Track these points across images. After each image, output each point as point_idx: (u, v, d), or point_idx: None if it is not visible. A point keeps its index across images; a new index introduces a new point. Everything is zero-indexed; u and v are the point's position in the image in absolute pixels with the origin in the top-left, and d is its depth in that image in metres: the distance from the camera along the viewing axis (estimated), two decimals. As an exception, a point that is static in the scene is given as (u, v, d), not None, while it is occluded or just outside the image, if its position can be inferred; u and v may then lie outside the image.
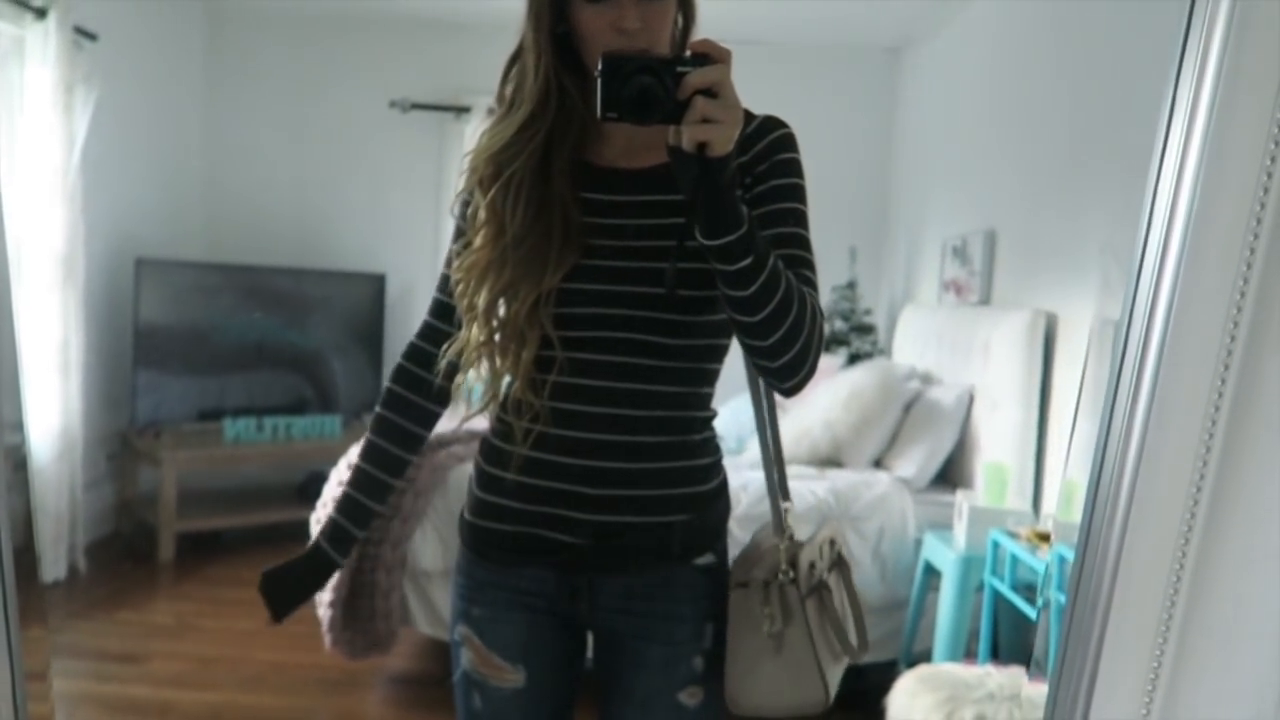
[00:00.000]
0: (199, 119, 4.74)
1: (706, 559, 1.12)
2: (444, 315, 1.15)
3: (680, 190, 0.92)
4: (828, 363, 3.73)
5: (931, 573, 2.69)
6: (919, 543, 2.79)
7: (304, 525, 2.86)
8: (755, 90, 0.86)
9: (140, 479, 4.19)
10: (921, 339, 3.72)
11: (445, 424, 3.00)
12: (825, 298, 4.40)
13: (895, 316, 4.31)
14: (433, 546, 2.70)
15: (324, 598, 2.66)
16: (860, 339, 4.34)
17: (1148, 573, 0.63)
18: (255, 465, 4.30)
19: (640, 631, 1.10)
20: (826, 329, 4.28)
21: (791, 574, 1.11)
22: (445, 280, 1.14)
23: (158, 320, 4.13)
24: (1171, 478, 0.63)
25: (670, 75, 0.88)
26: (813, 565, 1.14)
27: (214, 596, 3.51)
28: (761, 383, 1.19)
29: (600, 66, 0.90)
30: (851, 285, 4.47)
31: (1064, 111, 2.88)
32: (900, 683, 1.94)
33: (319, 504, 2.81)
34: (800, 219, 1.06)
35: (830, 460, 3.20)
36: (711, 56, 0.88)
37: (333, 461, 2.97)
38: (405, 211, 4.78)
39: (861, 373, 3.31)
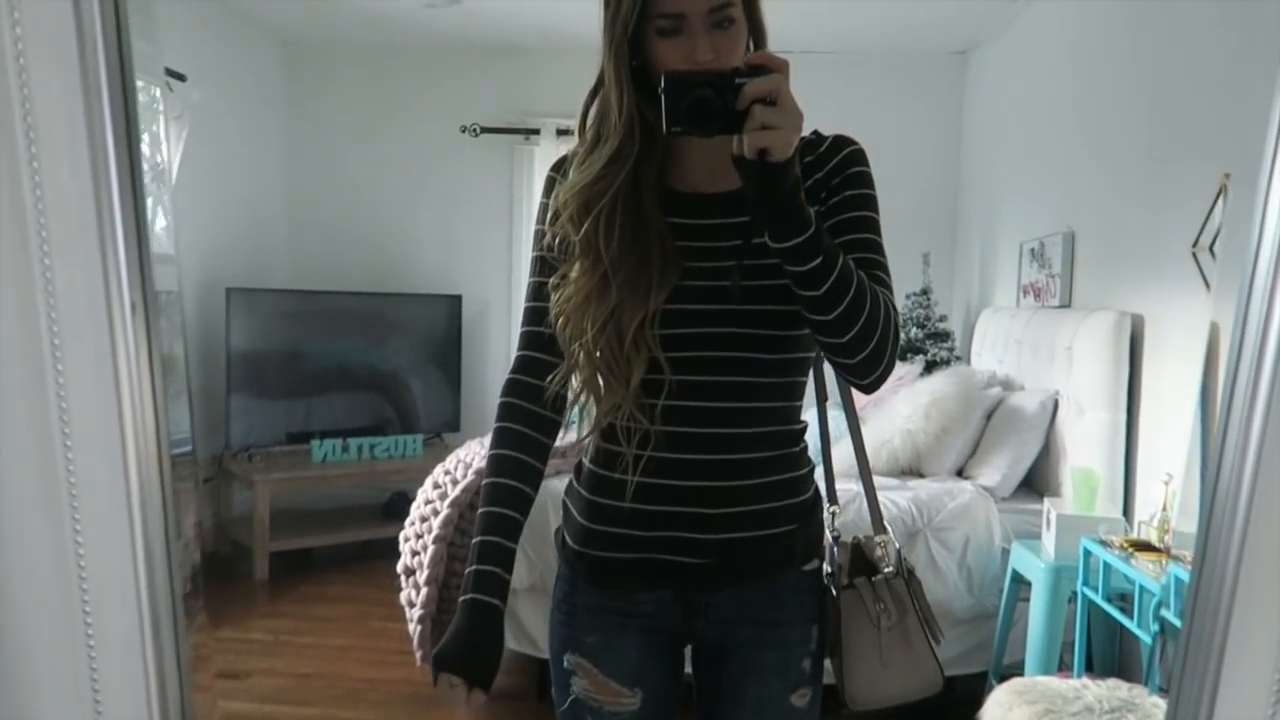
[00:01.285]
0: (280, 152, 4.93)
1: (812, 564, 1.17)
2: (540, 347, 1.14)
3: (746, 196, 0.96)
4: (905, 370, 3.69)
5: (1020, 583, 2.64)
6: (1005, 552, 2.74)
7: (390, 543, 2.94)
8: (823, 97, 0.90)
9: (235, 501, 4.35)
10: (1001, 344, 3.66)
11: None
12: (899, 304, 4.36)
13: (972, 322, 4.25)
14: (518, 563, 2.74)
15: (414, 614, 2.73)
16: (936, 346, 4.29)
17: (1269, 584, 0.62)
18: (342, 485, 4.43)
19: (753, 640, 1.13)
20: (903, 336, 4.26)
21: (891, 569, 1.18)
22: (533, 313, 1.14)
23: (248, 347, 4.29)
24: None
25: (728, 87, 0.93)
26: (900, 555, 1.21)
27: (307, 614, 3.62)
28: (846, 390, 1.25)
29: (663, 84, 0.95)
30: (925, 292, 4.43)
31: (1139, 107, 2.82)
32: (994, 695, 1.92)
33: (407, 523, 2.89)
34: (873, 225, 1.10)
35: (911, 470, 3.17)
36: (767, 67, 0.92)
37: (416, 480, 3.05)
38: (478, 233, 4.89)
39: (941, 380, 3.27)
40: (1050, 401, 3.03)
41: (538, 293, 1.14)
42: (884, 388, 3.59)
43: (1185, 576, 1.91)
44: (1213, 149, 2.39)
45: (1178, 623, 1.91)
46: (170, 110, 3.61)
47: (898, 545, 1.22)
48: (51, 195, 0.67)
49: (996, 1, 3.96)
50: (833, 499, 1.24)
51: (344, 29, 4.63)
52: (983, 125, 4.52)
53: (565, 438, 1.21)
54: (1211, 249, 2.37)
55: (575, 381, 1.10)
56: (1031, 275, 3.59)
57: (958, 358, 4.22)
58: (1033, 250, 3.58)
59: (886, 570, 1.18)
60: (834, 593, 1.16)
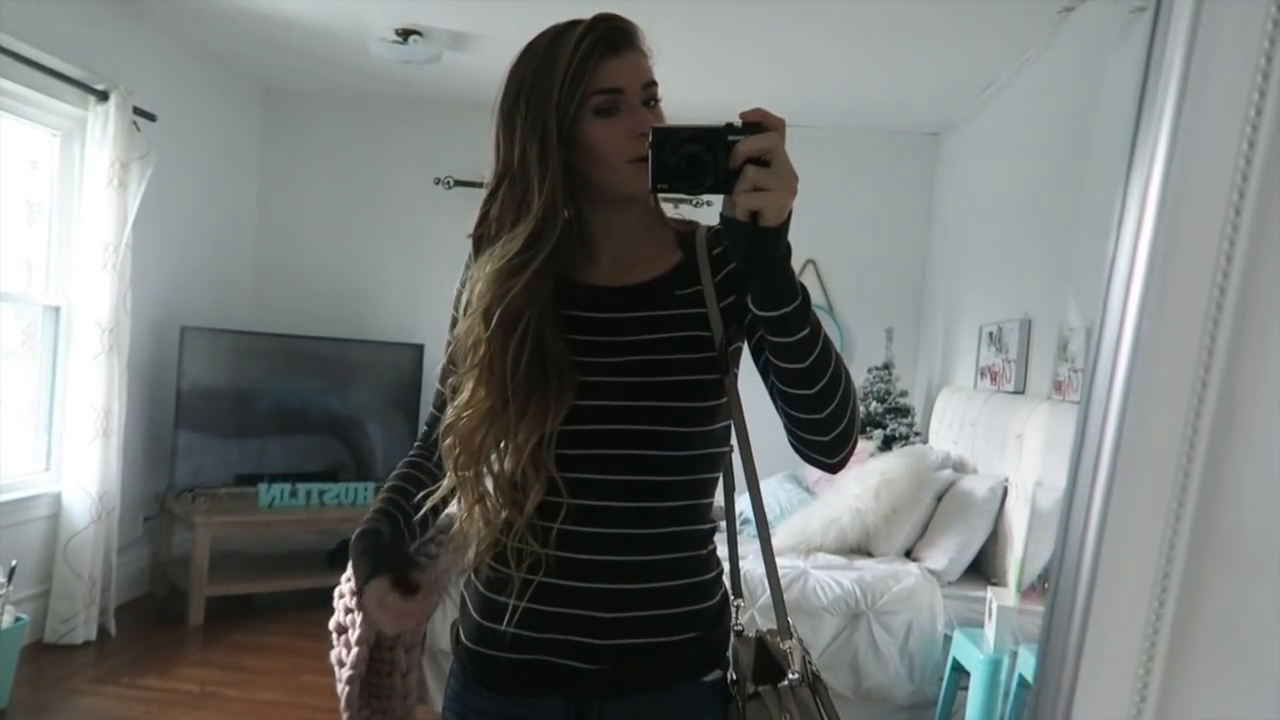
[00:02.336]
0: (251, 193, 4.91)
1: (714, 675, 1.10)
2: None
3: (734, 261, 0.93)
4: (860, 447, 3.68)
5: (960, 671, 2.61)
6: (948, 639, 2.71)
7: (332, 591, 2.86)
8: (800, 172, 0.87)
9: (175, 542, 4.24)
10: (957, 425, 3.67)
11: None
12: (860, 378, 4.38)
13: (932, 399, 4.26)
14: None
15: (343, 674, 2.65)
16: (896, 420, 4.29)
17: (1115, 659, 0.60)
18: (288, 530, 4.34)
19: None
20: (862, 410, 4.27)
21: (797, 675, 1.07)
22: (447, 372, 1.12)
23: (200, 385, 4.22)
24: (1135, 561, 0.59)
25: (721, 144, 0.88)
26: (805, 659, 1.10)
27: (238, 664, 3.51)
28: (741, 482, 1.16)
29: (651, 139, 0.90)
30: (888, 366, 4.44)
31: (1102, 199, 2.86)
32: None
33: (343, 578, 2.82)
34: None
35: (859, 549, 3.14)
36: (763, 125, 0.88)
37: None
38: (445, 284, 4.80)
39: (894, 460, 3.27)
40: (1000, 488, 3.02)
41: (446, 376, 1.11)
42: (837, 463, 3.59)
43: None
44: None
45: None
46: (135, 149, 3.59)
47: (804, 651, 1.10)
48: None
49: (969, 87, 4.04)
50: (737, 592, 1.17)
51: (323, 77, 4.65)
52: (951, 206, 4.59)
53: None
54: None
55: (457, 506, 1.07)
56: (989, 358, 3.61)
57: (916, 434, 4.23)
58: (991, 334, 3.61)
59: (792, 677, 1.07)
60: (738, 704, 1.08)
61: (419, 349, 4.72)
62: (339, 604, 2.94)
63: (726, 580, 1.15)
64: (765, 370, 1.04)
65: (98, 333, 3.52)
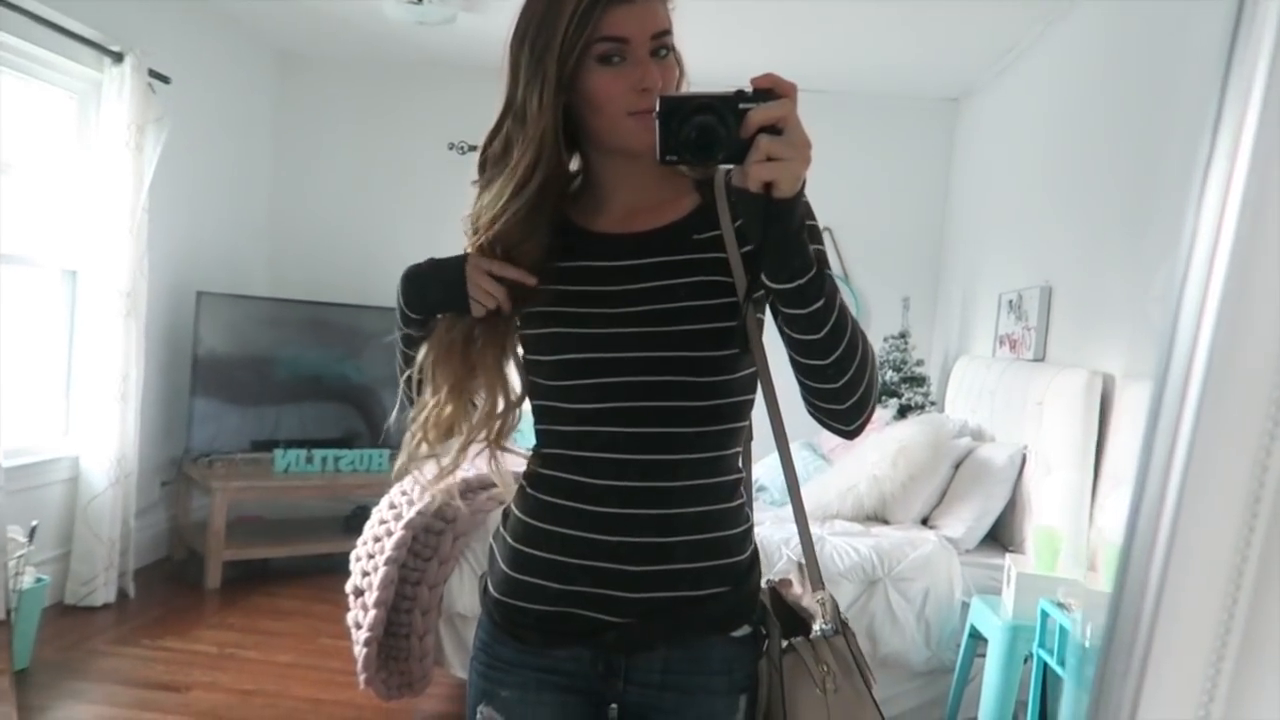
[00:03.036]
0: (266, 159, 4.89)
1: (743, 630, 1.09)
2: None
3: (746, 233, 0.90)
4: (877, 415, 3.66)
5: (978, 639, 2.60)
6: (965, 606, 2.71)
7: (347, 557, 2.88)
8: (815, 136, 0.85)
9: (193, 507, 4.27)
10: (974, 393, 3.64)
11: (486, 467, 2.99)
12: (875, 347, 4.35)
13: (949, 368, 4.23)
14: (470, 590, 2.69)
15: (360, 636, 2.67)
16: (912, 390, 4.27)
17: (1185, 650, 0.58)
18: (304, 496, 4.36)
19: (674, 708, 1.07)
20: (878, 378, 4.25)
21: (829, 626, 1.07)
22: None
23: (216, 351, 4.23)
24: (1211, 551, 0.58)
25: (732, 113, 0.84)
26: (837, 609, 1.11)
27: (256, 627, 3.54)
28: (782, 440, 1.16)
29: (658, 109, 0.87)
30: (904, 335, 4.41)
31: (1124, 166, 2.82)
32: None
33: (359, 542, 2.83)
34: (824, 259, 1.02)
35: (876, 516, 3.13)
36: (775, 91, 0.85)
37: (380, 495, 2.99)
38: (460, 250, 4.84)
39: (911, 428, 3.25)
40: (1019, 456, 3.00)
41: None
42: (854, 431, 3.57)
43: (1054, 612, 1.88)
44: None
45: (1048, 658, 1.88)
46: (151, 112, 3.57)
47: (834, 601, 1.11)
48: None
49: (990, 51, 3.97)
50: (817, 582, 1.14)
51: (338, 42, 4.61)
52: (971, 173, 4.53)
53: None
54: (1184, 314, 2.35)
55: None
56: (1008, 327, 3.58)
57: (932, 403, 4.21)
58: (1010, 302, 3.57)
59: (824, 627, 1.07)
60: (776, 660, 1.07)
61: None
62: (355, 567, 2.97)
63: (769, 529, 1.15)
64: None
65: (115, 297, 3.53)
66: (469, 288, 1.06)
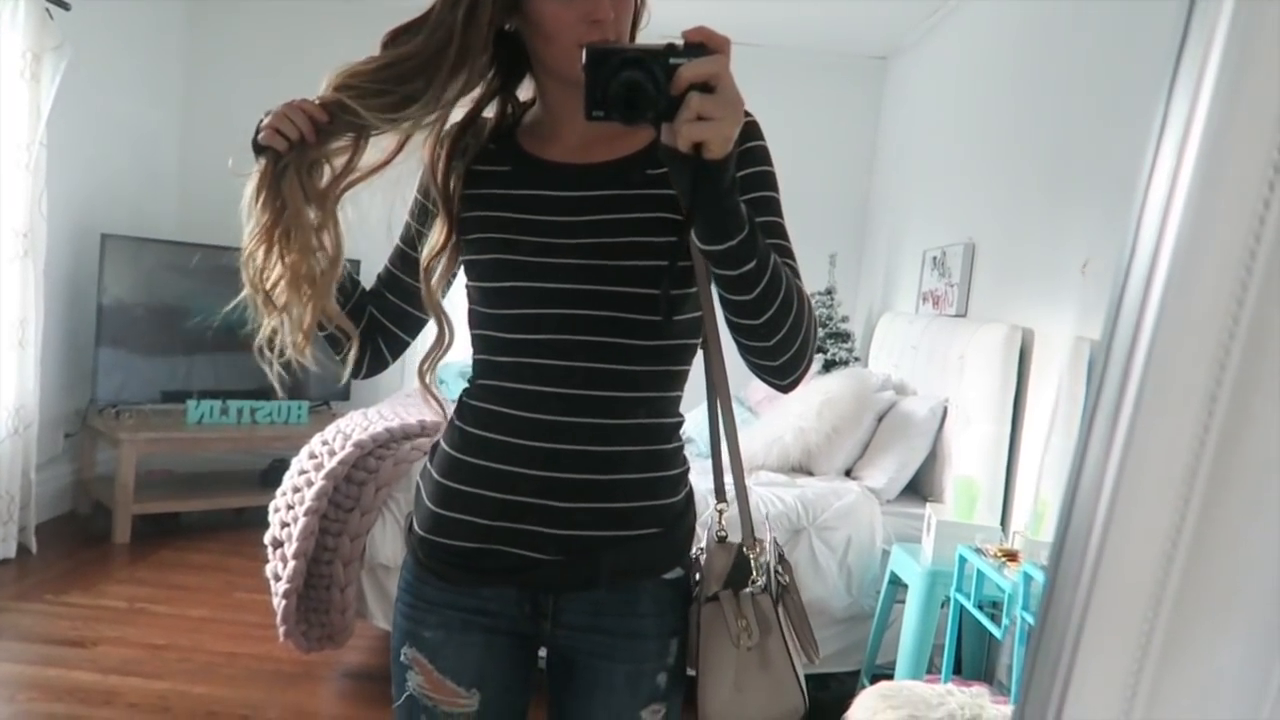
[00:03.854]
0: (175, 93, 4.66)
1: (675, 573, 1.08)
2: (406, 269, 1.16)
3: (677, 192, 0.86)
4: (802, 369, 3.70)
5: (897, 585, 2.66)
6: (886, 554, 2.77)
7: (264, 511, 2.79)
8: (744, 90, 0.81)
9: (98, 459, 4.10)
10: (898, 349, 3.70)
11: (411, 418, 2.92)
12: (803, 303, 4.40)
13: (873, 325, 4.29)
14: (392, 540, 2.65)
15: (279, 588, 2.60)
16: (837, 346, 4.32)
17: (1123, 604, 0.59)
18: (218, 449, 4.23)
19: (604, 651, 1.05)
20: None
21: (760, 582, 1.07)
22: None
23: (123, 298, 4.04)
24: (1153, 507, 0.58)
25: (662, 68, 0.80)
26: (775, 569, 1.09)
27: (168, 581, 3.43)
28: (716, 385, 1.14)
29: (584, 60, 0.82)
30: (830, 292, 4.46)
31: (1046, 125, 2.86)
32: (860, 698, 1.91)
33: (278, 492, 2.75)
34: (776, 207, 1.02)
35: (801, 468, 3.17)
36: (708, 46, 0.80)
37: (298, 448, 2.90)
38: (380, 195, 4.69)
39: (836, 381, 3.29)
40: (940, 409, 3.06)
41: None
42: (780, 384, 3.60)
43: (1034, 572, 1.95)
44: (1111, 170, 2.43)
45: (1029, 618, 1.95)
46: (48, 39, 3.35)
47: (768, 559, 1.10)
48: None
49: (919, 10, 3.99)
50: (720, 496, 1.15)
51: (252, -30, 4.39)
52: (897, 131, 4.57)
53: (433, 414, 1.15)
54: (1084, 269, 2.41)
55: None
56: (932, 283, 3.63)
57: (856, 359, 4.27)
58: (934, 258, 3.62)
59: (755, 585, 1.06)
60: (697, 604, 1.07)
61: (354, 265, 4.57)
62: (274, 518, 2.89)
63: (692, 478, 1.13)
64: None
65: (10, 237, 3.33)
66: (271, 118, 1.02)
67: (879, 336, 4.04)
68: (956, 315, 3.35)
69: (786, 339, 0.92)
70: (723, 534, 1.12)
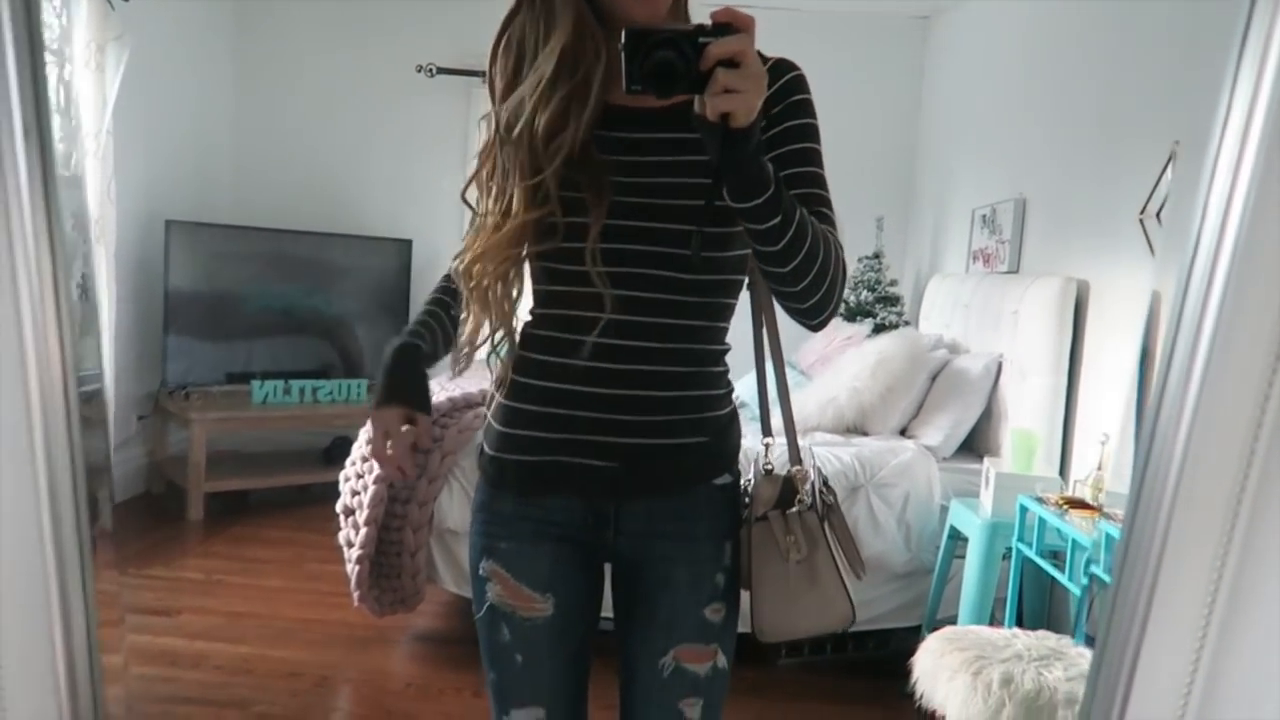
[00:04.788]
0: (229, 82, 4.77)
1: (724, 479, 1.16)
2: None
3: (708, 156, 0.94)
4: (854, 331, 3.71)
5: (957, 540, 2.68)
6: (944, 509, 2.79)
7: (329, 487, 2.89)
8: (785, 55, 0.87)
9: (170, 440, 4.24)
10: (948, 309, 3.69)
11: (472, 386, 2.97)
12: (850, 268, 4.39)
13: (921, 288, 4.28)
14: (459, 506, 2.72)
15: (352, 554, 2.70)
16: (886, 310, 4.31)
17: (1195, 554, 0.64)
18: (282, 428, 4.35)
19: (665, 554, 1.13)
20: (852, 299, 4.26)
21: (807, 500, 1.17)
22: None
23: (187, 284, 4.17)
24: (1220, 462, 0.63)
25: (692, 47, 0.89)
26: (820, 490, 1.19)
27: (242, 555, 3.56)
28: (765, 327, 1.27)
29: (623, 42, 0.91)
30: (878, 255, 4.45)
31: (1093, 75, 2.84)
32: (927, 643, 1.95)
33: (348, 462, 2.84)
34: (816, 158, 1.09)
35: (856, 428, 3.19)
36: (733, 26, 0.89)
37: (358, 425, 2.99)
38: (431, 177, 4.79)
39: (889, 341, 3.30)
40: (994, 364, 3.06)
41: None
42: (833, 347, 3.61)
43: (1115, 533, 1.96)
44: (1164, 118, 2.41)
45: (1106, 578, 1.96)
46: (110, 29, 3.46)
47: (814, 478, 1.20)
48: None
49: (962, -34, 3.95)
50: (767, 431, 1.25)
51: (297, -42, 4.47)
52: (942, 91, 4.53)
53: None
54: (1158, 216, 2.40)
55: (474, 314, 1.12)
56: (982, 241, 3.62)
57: (906, 322, 4.26)
58: (984, 216, 3.61)
59: (802, 503, 1.16)
60: (748, 525, 1.15)
61: (407, 245, 4.67)
62: (345, 487, 2.98)
63: (735, 399, 1.20)
64: None
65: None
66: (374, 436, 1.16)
67: (928, 298, 4.03)
68: (1008, 272, 3.33)
69: (812, 285, 1.01)
70: (769, 467, 1.21)
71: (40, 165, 0.66)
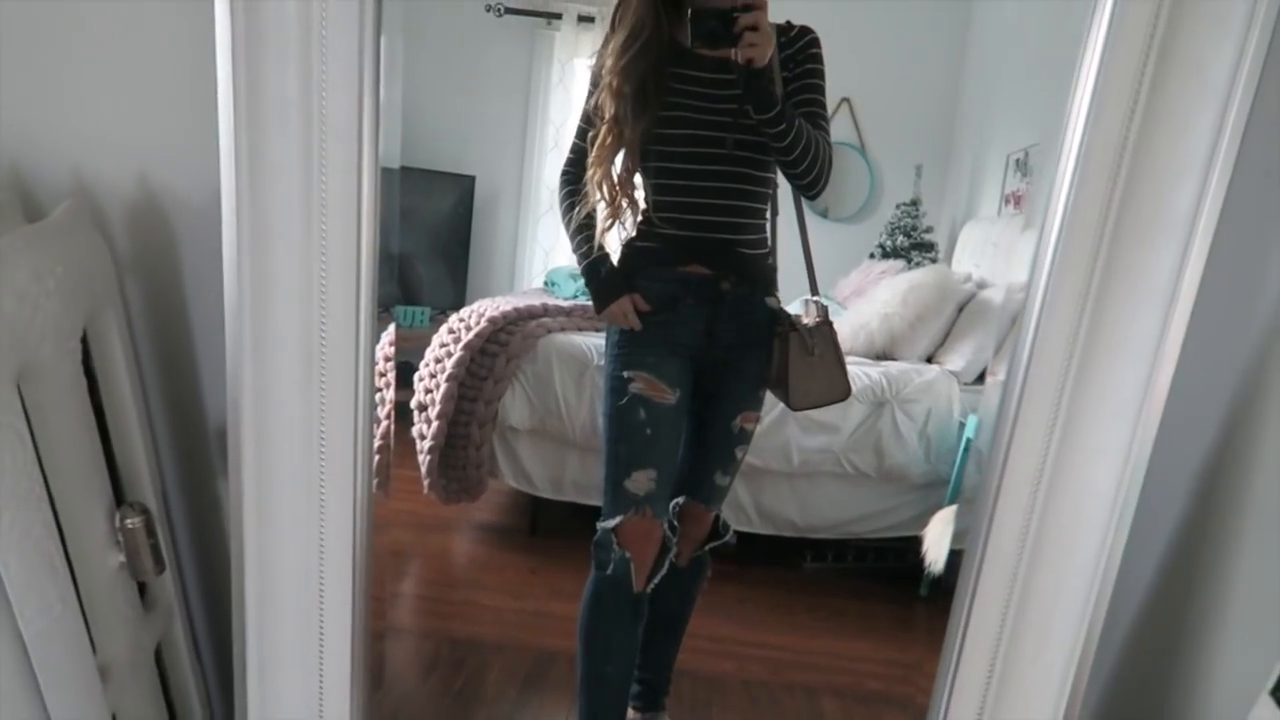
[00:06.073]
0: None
1: (771, 301, 1.79)
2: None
3: (739, 86, 1.58)
4: (888, 265, 3.93)
5: (972, 451, 2.92)
6: (963, 425, 3.02)
7: (400, 408, 3.18)
8: (831, 10, 1.28)
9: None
10: (979, 250, 3.89)
11: (535, 299, 3.28)
12: (889, 214, 4.60)
13: (955, 235, 4.46)
14: (520, 406, 3.01)
15: (424, 445, 3.01)
16: (920, 255, 4.50)
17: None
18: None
19: (739, 357, 1.77)
20: (889, 244, 4.46)
21: (819, 319, 1.82)
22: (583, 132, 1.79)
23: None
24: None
25: (729, 19, 1.52)
26: (824, 310, 1.83)
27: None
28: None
29: (690, 15, 1.55)
30: (915, 203, 4.61)
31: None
32: (937, 515, 2.20)
33: (421, 364, 3.14)
34: (820, 91, 1.71)
35: (885, 354, 3.43)
36: (753, 5, 1.50)
37: (421, 350, 3.26)
38: (496, 115, 5.01)
39: (921, 273, 3.53)
40: (1019, 294, 3.27)
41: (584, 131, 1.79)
42: (867, 279, 3.84)
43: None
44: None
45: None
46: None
47: (824, 304, 1.78)
48: None
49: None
50: (814, 290, 1.84)
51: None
52: (987, 36, 4.66)
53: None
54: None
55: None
56: (1014, 184, 3.81)
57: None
58: (1018, 160, 3.79)
59: (819, 319, 1.81)
60: (782, 337, 1.76)
61: (469, 181, 4.93)
62: (419, 385, 3.29)
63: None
64: None
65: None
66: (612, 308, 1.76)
67: (962, 244, 4.21)
68: (1038, 212, 3.51)
69: (808, 169, 1.64)
70: (796, 315, 1.81)
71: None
